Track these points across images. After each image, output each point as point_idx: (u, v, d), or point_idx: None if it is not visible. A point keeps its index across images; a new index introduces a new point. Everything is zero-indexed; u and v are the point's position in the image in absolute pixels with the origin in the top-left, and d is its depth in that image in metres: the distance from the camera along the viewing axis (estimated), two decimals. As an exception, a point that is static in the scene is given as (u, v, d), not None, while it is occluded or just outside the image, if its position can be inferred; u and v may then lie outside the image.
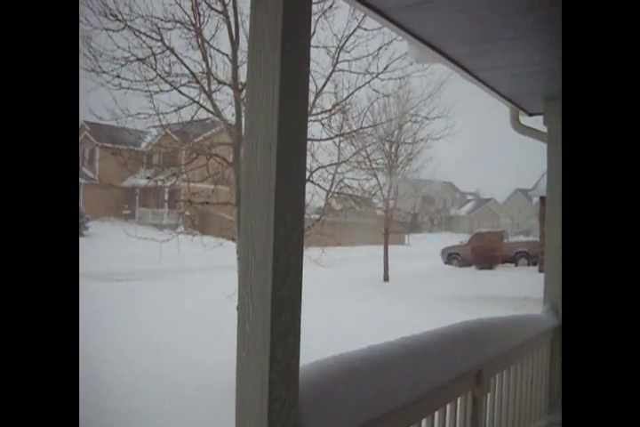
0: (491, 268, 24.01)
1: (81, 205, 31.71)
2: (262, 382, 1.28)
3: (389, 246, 21.44)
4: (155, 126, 11.01)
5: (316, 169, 10.11)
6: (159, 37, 8.58)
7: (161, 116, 9.01)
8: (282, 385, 1.31)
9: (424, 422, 2.03)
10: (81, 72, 8.69)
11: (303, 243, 1.39)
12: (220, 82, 8.78)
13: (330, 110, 9.92)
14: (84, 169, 36.42)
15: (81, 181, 34.45)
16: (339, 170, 10.76)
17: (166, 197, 30.63)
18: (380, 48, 9.82)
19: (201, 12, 8.59)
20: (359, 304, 13.83)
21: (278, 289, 1.30)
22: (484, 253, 24.20)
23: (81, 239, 27.85)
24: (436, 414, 2.13)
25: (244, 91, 7.75)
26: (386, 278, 20.71)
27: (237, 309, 1.35)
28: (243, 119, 8.10)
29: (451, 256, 26.79)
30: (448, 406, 2.25)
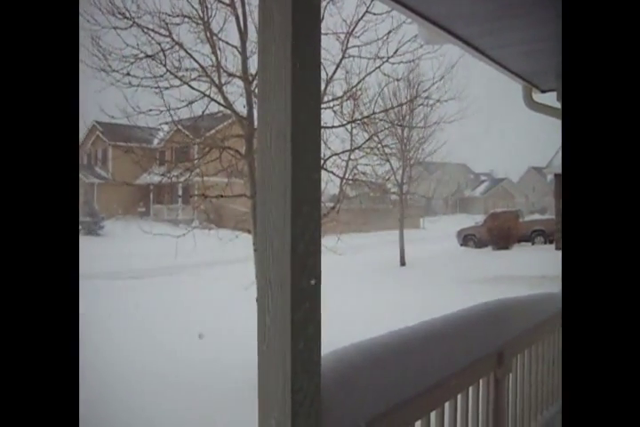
0: (507, 248, 23.82)
1: (95, 204, 31.94)
2: (284, 374, 1.27)
3: (405, 231, 21.40)
4: (166, 122, 11.01)
5: (330, 156, 10.05)
6: (167, 33, 8.56)
7: (172, 112, 8.99)
8: (304, 376, 1.30)
9: (447, 405, 2.03)
10: (91, 72, 8.73)
11: (321, 232, 1.38)
12: (230, 74, 8.76)
13: (341, 97, 9.83)
14: (97, 169, 36.69)
15: (95, 180, 34.74)
16: (352, 156, 10.67)
17: (180, 193, 30.74)
18: (390, 32, 9.69)
19: (208, 6, 8.57)
20: (377, 290, 13.85)
21: (297, 279, 1.29)
22: (499, 234, 23.99)
23: (96, 239, 28.07)
24: (459, 396, 2.14)
25: (255, 82, 7.74)
26: (402, 263, 20.71)
27: (257, 300, 1.35)
28: (255, 110, 8.08)
29: (467, 238, 26.66)
30: (470, 389, 2.25)
